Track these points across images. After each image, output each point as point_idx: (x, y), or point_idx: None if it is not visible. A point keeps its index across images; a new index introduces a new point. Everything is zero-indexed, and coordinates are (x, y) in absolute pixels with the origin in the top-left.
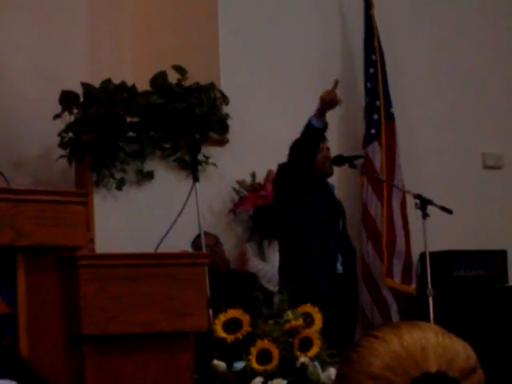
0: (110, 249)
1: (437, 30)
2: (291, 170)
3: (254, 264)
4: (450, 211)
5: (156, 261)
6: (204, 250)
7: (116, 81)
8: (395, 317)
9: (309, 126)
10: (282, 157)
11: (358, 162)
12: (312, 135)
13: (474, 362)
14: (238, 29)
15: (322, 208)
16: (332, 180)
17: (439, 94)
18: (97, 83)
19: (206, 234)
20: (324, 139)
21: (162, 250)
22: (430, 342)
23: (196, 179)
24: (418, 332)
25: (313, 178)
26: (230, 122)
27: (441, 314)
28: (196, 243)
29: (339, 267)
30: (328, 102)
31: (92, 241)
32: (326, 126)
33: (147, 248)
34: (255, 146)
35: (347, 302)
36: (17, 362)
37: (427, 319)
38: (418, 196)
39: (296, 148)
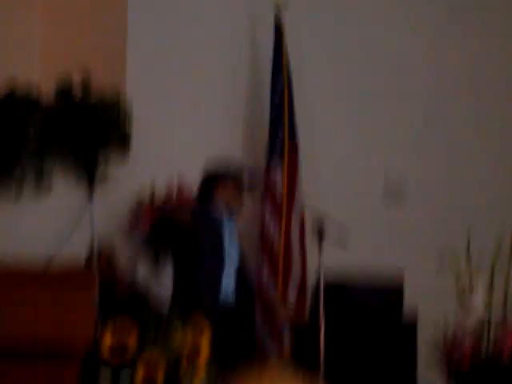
0: None
1: (340, 51)
2: None
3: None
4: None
5: None
6: None
7: None
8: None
9: None
10: None
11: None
12: None
13: None
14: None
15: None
16: None
17: (340, 116)
18: None
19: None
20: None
21: None
22: None
23: None
24: None
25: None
26: None
27: (331, 346)
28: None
29: (231, 300)
30: None
31: None
32: None
33: None
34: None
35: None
36: None
37: (318, 350)
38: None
39: None
